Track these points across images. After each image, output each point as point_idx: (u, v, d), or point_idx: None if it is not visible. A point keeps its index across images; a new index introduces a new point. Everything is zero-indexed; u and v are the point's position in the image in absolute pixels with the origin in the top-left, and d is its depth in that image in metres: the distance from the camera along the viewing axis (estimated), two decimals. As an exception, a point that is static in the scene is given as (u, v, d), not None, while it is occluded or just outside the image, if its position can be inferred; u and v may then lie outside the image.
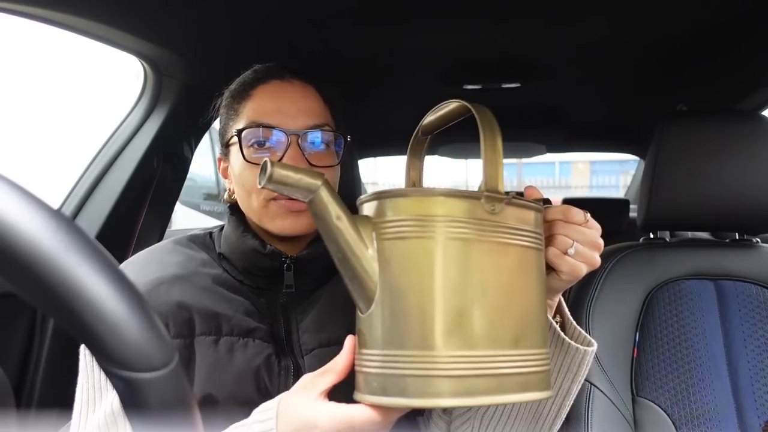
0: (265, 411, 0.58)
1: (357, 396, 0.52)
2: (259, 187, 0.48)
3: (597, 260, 0.61)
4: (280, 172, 0.48)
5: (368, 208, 0.54)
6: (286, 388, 0.68)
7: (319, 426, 0.53)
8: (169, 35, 1.15)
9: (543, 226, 0.57)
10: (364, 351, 0.52)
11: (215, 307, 0.70)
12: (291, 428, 0.55)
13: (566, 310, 0.69)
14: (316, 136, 0.74)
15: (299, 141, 0.72)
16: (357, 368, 0.53)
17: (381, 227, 0.51)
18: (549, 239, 0.59)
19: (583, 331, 0.68)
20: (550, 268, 0.60)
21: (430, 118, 0.61)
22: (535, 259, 0.54)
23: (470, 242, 0.49)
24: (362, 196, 0.55)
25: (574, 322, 0.69)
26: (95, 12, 0.99)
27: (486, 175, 0.52)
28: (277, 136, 0.72)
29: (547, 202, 0.62)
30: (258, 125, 0.72)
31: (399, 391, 0.48)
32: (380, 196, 0.52)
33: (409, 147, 0.64)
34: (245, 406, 0.62)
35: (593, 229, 0.60)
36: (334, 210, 0.50)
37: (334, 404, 0.53)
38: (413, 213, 0.50)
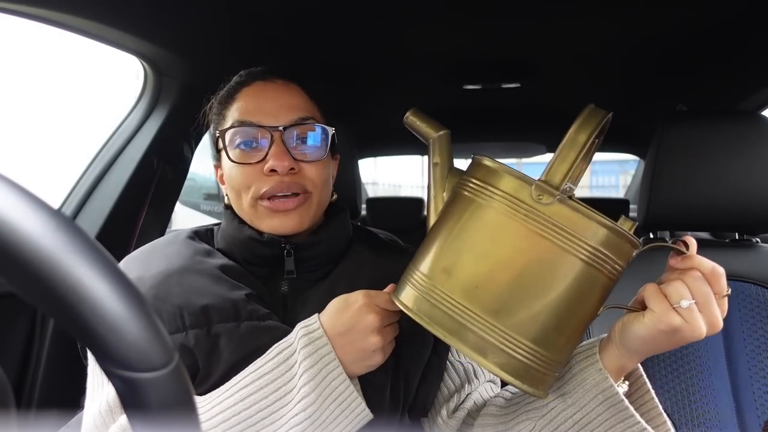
0: (308, 323, 0.66)
1: (394, 297, 0.60)
2: (405, 122, 0.64)
3: (702, 332, 0.53)
4: (412, 117, 0.64)
5: (468, 166, 0.62)
6: None
7: (349, 300, 0.64)
8: (169, 35, 1.15)
9: (626, 256, 0.54)
10: (411, 264, 0.60)
11: (230, 294, 0.70)
12: (330, 315, 0.64)
13: (647, 383, 0.63)
14: (299, 131, 0.74)
15: (282, 136, 0.72)
16: (406, 271, 0.60)
17: (462, 182, 0.59)
18: (666, 282, 0.55)
19: (665, 416, 0.61)
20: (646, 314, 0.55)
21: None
22: (580, 270, 0.52)
23: (507, 218, 0.53)
24: (475, 155, 0.61)
25: (655, 399, 0.62)
26: (95, 12, 0.99)
27: (550, 164, 0.53)
28: (260, 133, 0.73)
29: (684, 245, 0.57)
30: (240, 124, 0.73)
31: (419, 308, 0.56)
32: (474, 158, 0.60)
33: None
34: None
35: (721, 308, 0.54)
36: (436, 156, 0.62)
37: (367, 291, 0.65)
38: (477, 176, 0.56)
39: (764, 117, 1.06)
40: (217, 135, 0.75)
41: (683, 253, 0.54)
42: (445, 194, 0.61)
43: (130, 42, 1.14)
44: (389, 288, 0.65)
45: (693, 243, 0.55)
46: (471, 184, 0.56)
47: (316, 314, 0.66)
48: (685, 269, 0.55)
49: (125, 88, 1.41)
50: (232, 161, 0.73)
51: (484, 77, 1.58)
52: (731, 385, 1.00)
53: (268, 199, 0.73)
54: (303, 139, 0.75)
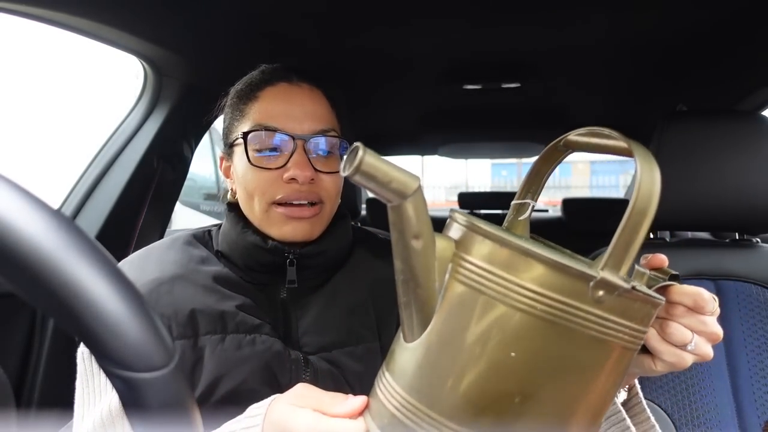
0: (257, 407, 0.56)
1: (366, 417, 0.49)
2: (342, 174, 0.39)
3: (711, 354, 0.51)
4: (371, 163, 0.38)
5: (455, 231, 0.45)
6: (299, 380, 0.68)
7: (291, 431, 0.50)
8: (169, 35, 1.15)
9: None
10: (389, 377, 0.47)
11: (218, 306, 0.69)
12: (270, 429, 0.53)
13: (639, 392, 0.62)
14: (322, 141, 0.73)
15: (305, 145, 0.72)
16: (375, 388, 0.49)
17: (460, 264, 0.43)
18: (662, 324, 0.51)
19: (652, 420, 0.61)
20: (647, 351, 0.52)
21: (583, 138, 0.53)
22: (622, 359, 0.44)
23: (552, 326, 0.41)
24: (456, 212, 0.47)
25: (644, 402, 0.62)
26: (95, 12, 0.99)
27: (612, 253, 0.41)
28: (284, 140, 0.72)
29: (675, 278, 0.53)
30: (264, 128, 0.72)
31: None
32: (474, 227, 0.43)
33: (542, 154, 0.57)
34: (257, 401, 0.60)
35: (715, 318, 0.51)
36: (415, 227, 0.41)
37: (318, 416, 0.50)
38: (501, 267, 0.41)
39: (764, 117, 1.06)
40: (239, 134, 0.74)
41: (661, 304, 0.45)
42: (437, 284, 0.43)
43: (130, 42, 1.14)
44: (359, 404, 0.50)
45: (675, 289, 0.51)
46: (489, 279, 0.42)
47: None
48: (672, 304, 0.52)
49: (125, 88, 1.41)
50: (252, 164, 0.72)
51: (484, 77, 1.58)
52: (731, 385, 1.00)
53: (283, 205, 0.72)
54: (324, 150, 0.74)
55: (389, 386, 0.46)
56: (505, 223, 0.58)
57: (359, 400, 0.50)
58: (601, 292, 0.40)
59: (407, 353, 0.45)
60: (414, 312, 0.44)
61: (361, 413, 0.49)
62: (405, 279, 0.43)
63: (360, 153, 0.38)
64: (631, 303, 0.42)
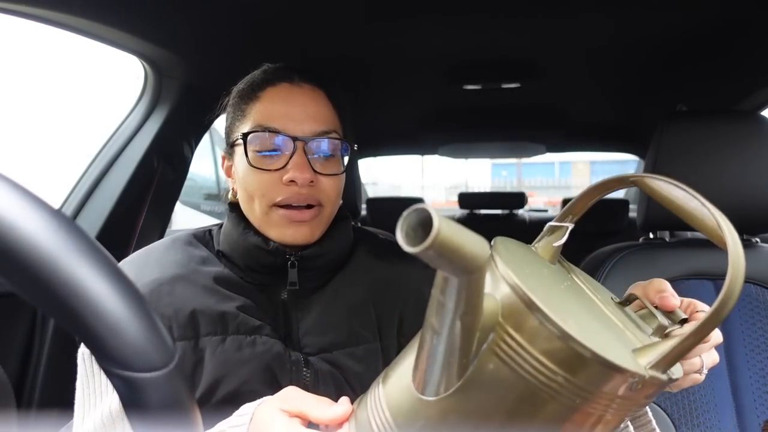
0: (247, 407, 0.57)
1: (350, 425, 0.48)
2: (405, 247, 0.30)
3: (717, 358, 0.56)
4: (448, 236, 0.30)
5: (498, 284, 0.41)
6: (299, 381, 0.68)
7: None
8: (170, 35, 1.15)
9: None
10: (383, 402, 0.45)
11: (219, 306, 0.69)
12: (255, 430, 0.53)
13: None
14: (322, 143, 0.73)
15: (305, 147, 0.71)
16: (367, 402, 0.47)
17: (502, 337, 0.39)
18: None
19: (651, 419, 0.61)
20: None
21: (662, 188, 0.50)
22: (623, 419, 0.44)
23: (581, 416, 0.39)
24: (499, 257, 0.42)
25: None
26: (96, 12, 0.99)
27: (668, 354, 0.40)
28: (284, 142, 0.71)
29: (684, 321, 0.53)
30: (264, 129, 0.72)
31: None
32: (529, 302, 0.38)
33: (603, 182, 0.53)
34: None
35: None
36: (468, 306, 0.36)
37: (288, 420, 0.51)
38: (550, 358, 0.38)
39: (764, 117, 1.06)
40: (239, 135, 0.73)
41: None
42: (473, 354, 0.39)
43: (131, 42, 1.14)
44: (342, 413, 0.50)
45: (673, 304, 0.53)
46: (533, 364, 0.38)
47: None
48: None
49: (126, 88, 1.41)
50: (252, 165, 0.72)
51: (484, 77, 1.58)
52: (731, 384, 1.00)
53: (283, 207, 0.72)
54: (324, 152, 0.73)
55: (382, 414, 0.44)
56: (536, 242, 0.55)
57: (342, 409, 0.50)
58: (640, 386, 0.39)
59: (413, 399, 0.42)
60: (435, 370, 0.40)
61: (343, 422, 0.49)
62: (437, 342, 0.39)
63: (435, 223, 0.29)
64: (656, 387, 0.41)
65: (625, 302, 0.54)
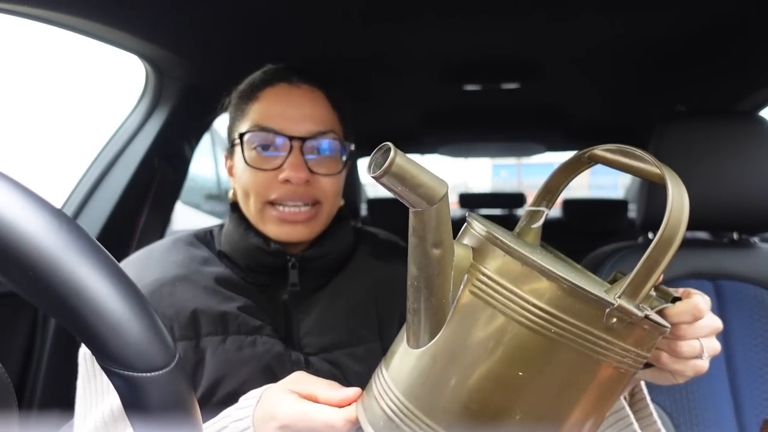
0: (252, 392, 0.58)
1: (357, 407, 0.49)
2: (369, 174, 0.37)
3: (719, 347, 0.53)
4: (402, 165, 0.36)
5: (473, 239, 0.45)
6: None
7: (277, 417, 0.52)
8: (170, 35, 1.16)
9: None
10: (388, 379, 0.46)
11: (220, 307, 0.70)
12: (260, 415, 0.55)
13: (645, 393, 0.62)
14: (319, 143, 0.73)
15: (302, 147, 0.72)
16: (372, 386, 0.49)
17: (476, 276, 0.42)
18: (671, 345, 0.51)
19: (659, 423, 0.61)
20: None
21: (610, 155, 0.52)
22: (622, 381, 0.44)
23: (561, 348, 0.40)
24: (474, 219, 0.46)
25: (651, 405, 0.62)
26: (96, 13, 0.99)
27: (632, 281, 0.41)
28: (280, 141, 0.72)
29: (675, 299, 0.53)
30: (262, 129, 0.72)
31: None
32: (493, 239, 0.42)
33: (564, 163, 0.55)
34: None
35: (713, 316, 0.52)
36: (437, 235, 0.40)
37: (297, 398, 0.52)
38: (519, 285, 0.41)
39: (763, 117, 1.06)
40: (236, 136, 0.74)
41: (666, 332, 0.45)
42: (451, 294, 0.43)
43: (132, 43, 1.14)
44: (352, 395, 0.52)
45: (673, 312, 0.51)
46: (504, 295, 0.41)
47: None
48: (676, 324, 0.52)
49: (126, 88, 1.41)
50: (248, 164, 0.72)
51: (484, 77, 1.58)
52: (730, 384, 1.00)
53: (278, 205, 0.72)
54: (321, 152, 0.74)
55: (387, 387, 0.46)
56: (516, 229, 0.57)
57: (352, 391, 0.51)
58: (614, 319, 0.40)
59: (410, 358, 0.45)
60: (423, 319, 0.43)
61: (352, 402, 0.50)
62: (418, 286, 0.42)
63: (391, 154, 0.36)
64: (639, 330, 0.42)
65: (612, 282, 0.55)
